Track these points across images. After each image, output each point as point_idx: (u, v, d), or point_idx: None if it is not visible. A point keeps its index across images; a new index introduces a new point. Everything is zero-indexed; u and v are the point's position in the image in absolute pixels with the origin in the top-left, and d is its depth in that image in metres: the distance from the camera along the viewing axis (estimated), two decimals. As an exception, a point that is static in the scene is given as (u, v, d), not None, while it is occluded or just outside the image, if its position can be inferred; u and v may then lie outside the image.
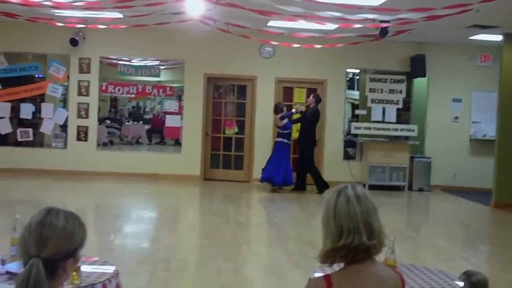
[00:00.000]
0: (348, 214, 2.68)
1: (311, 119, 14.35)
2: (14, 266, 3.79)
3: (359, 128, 15.77)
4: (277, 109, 14.38)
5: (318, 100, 14.49)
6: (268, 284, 7.09)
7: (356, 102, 16.47)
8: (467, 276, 4.00)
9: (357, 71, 16.23)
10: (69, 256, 2.40)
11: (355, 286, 2.66)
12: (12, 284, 2.55)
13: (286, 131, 14.28)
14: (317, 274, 4.13)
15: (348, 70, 15.96)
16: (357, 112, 16.26)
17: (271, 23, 12.80)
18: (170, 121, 15.77)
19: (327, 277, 2.68)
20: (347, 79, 16.06)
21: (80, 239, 2.45)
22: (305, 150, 14.33)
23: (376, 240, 2.70)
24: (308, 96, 14.93)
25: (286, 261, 8.18)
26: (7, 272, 3.74)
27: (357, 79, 16.46)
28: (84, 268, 3.76)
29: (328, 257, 2.73)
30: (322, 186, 14.23)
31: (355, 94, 16.72)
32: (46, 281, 2.28)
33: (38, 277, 2.26)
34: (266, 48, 15.38)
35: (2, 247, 7.84)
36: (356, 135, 15.86)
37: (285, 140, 14.28)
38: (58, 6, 10.80)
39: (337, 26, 11.72)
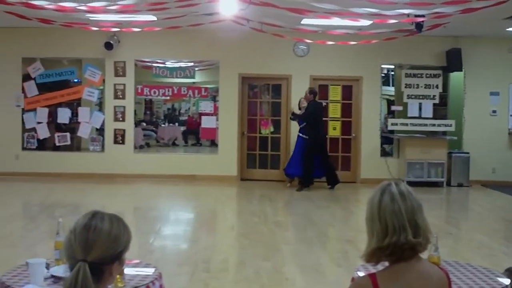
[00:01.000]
0: (393, 212, 2.64)
1: (309, 114, 14.29)
2: (59, 270, 3.81)
3: (396, 124, 15.65)
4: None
5: (314, 93, 14.43)
6: (309, 284, 7.05)
7: (392, 98, 16.33)
8: (510, 273, 3.94)
9: (392, 67, 16.08)
10: (115, 259, 2.40)
11: (401, 285, 2.62)
12: (59, 287, 2.57)
13: (300, 126, 14.49)
14: (360, 273, 4.10)
15: (383, 66, 15.83)
16: (393, 108, 16.12)
17: (305, 21, 12.75)
18: (206, 122, 15.80)
19: (372, 276, 2.64)
20: (382, 75, 15.94)
21: (125, 243, 2.46)
22: (318, 146, 14.34)
23: (422, 238, 2.66)
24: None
25: (326, 260, 8.15)
26: (52, 276, 3.76)
27: (392, 75, 16.31)
28: (127, 271, 3.76)
29: (373, 256, 2.70)
30: (307, 182, 14.39)
31: (391, 90, 16.59)
32: (93, 284, 2.29)
33: (85, 281, 2.27)
34: (300, 46, 15.33)
35: (45, 250, 7.94)
36: (392, 132, 15.74)
37: (301, 134, 14.45)
38: (93, 11, 10.87)
39: (372, 22, 11.64)
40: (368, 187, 14.36)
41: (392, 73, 16.24)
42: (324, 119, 14.90)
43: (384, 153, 15.86)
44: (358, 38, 13.28)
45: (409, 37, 12.81)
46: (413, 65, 15.68)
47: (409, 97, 15.67)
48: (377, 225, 2.67)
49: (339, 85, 15.73)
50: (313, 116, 14.18)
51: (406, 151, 15.20)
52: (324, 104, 15.08)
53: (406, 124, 15.60)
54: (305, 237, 9.88)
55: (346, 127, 15.79)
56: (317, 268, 7.70)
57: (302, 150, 14.21)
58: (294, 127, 15.41)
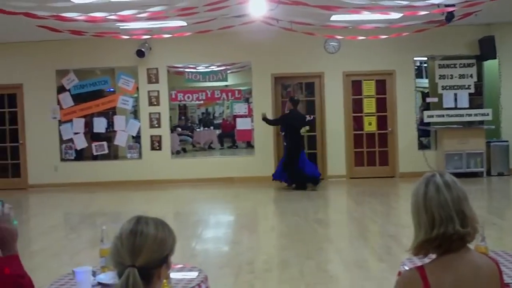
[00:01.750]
0: (439, 203, 2.61)
1: (278, 121, 14.67)
2: (105, 277, 3.83)
3: (432, 116, 15.51)
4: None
5: (294, 102, 14.34)
6: (354, 280, 7.01)
7: (426, 91, 16.18)
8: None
9: (425, 58, 15.93)
10: (162, 263, 2.41)
11: (451, 276, 2.57)
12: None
13: (281, 133, 14.94)
14: (406, 267, 4.05)
15: (416, 58, 15.69)
16: (428, 100, 15.97)
17: (335, 17, 12.71)
18: (241, 124, 15.82)
19: (420, 269, 2.61)
20: (415, 67, 15.81)
21: (170, 246, 2.47)
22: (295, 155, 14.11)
23: (470, 227, 2.62)
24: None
25: (370, 256, 8.09)
26: (99, 283, 3.78)
27: (425, 67, 16.16)
28: (173, 275, 3.77)
29: (421, 248, 2.66)
30: (302, 183, 14.20)
31: (424, 82, 16.43)
32: None
33: (136, 286, 2.28)
34: (331, 43, 15.28)
35: (88, 259, 8.00)
36: (429, 124, 15.60)
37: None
38: (123, 19, 10.94)
39: (402, 14, 11.55)
40: (407, 181, 14.29)
41: (425, 65, 16.08)
42: (301, 130, 14.48)
43: (422, 146, 15.73)
44: (389, 32, 13.19)
45: (441, 27, 12.68)
46: (446, 56, 15.53)
47: (443, 88, 15.53)
48: (424, 217, 2.63)
49: (372, 80, 15.65)
50: (286, 124, 14.28)
51: (443, 143, 15.06)
52: (308, 118, 14.82)
53: (442, 116, 15.45)
54: (347, 233, 9.85)
55: (382, 122, 15.69)
56: (361, 264, 7.65)
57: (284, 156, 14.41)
58: (330, 125, 15.37)
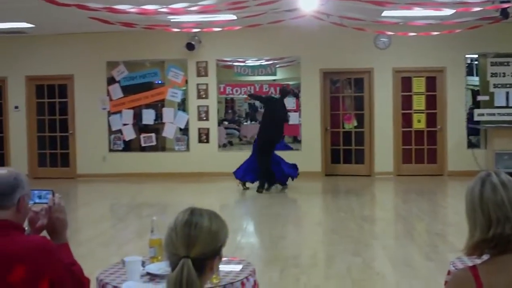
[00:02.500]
0: (495, 202, 2.55)
1: (267, 100, 14.03)
2: (154, 267, 3.85)
3: (482, 114, 15.28)
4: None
5: (283, 92, 14.00)
6: (400, 278, 6.95)
7: (476, 88, 15.94)
8: None
9: (475, 56, 15.69)
10: (215, 254, 2.43)
11: (505, 277, 2.52)
12: (156, 284, 2.60)
13: None
14: (456, 267, 4.00)
15: (467, 55, 15.47)
16: (478, 98, 15.73)
17: (386, 13, 12.59)
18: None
19: (473, 269, 2.56)
20: (466, 65, 15.58)
21: (223, 238, 2.48)
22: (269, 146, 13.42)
23: (528, 228, 2.56)
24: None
25: (416, 254, 8.02)
26: (148, 273, 3.81)
27: (476, 65, 15.92)
28: (221, 267, 3.77)
29: (476, 249, 2.61)
30: (270, 181, 13.39)
31: (475, 80, 16.19)
32: (198, 280, 2.31)
33: (191, 277, 2.29)
34: (381, 39, 15.15)
35: (135, 249, 8.08)
36: (479, 122, 15.37)
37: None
38: (174, 12, 10.99)
39: (455, 11, 11.38)
40: (455, 179, 14.14)
41: (476, 62, 15.84)
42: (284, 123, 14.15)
43: (471, 145, 15.49)
44: (440, 28, 13.01)
45: (494, 24, 12.48)
46: (499, 53, 15.26)
47: (495, 86, 15.28)
48: (480, 217, 2.58)
49: (423, 76, 15.48)
50: (270, 107, 13.55)
51: (494, 142, 14.81)
52: (288, 114, 14.80)
53: (493, 114, 15.22)
54: (394, 231, 9.79)
55: (431, 119, 15.50)
56: (408, 262, 7.59)
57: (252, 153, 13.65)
58: (379, 121, 15.26)
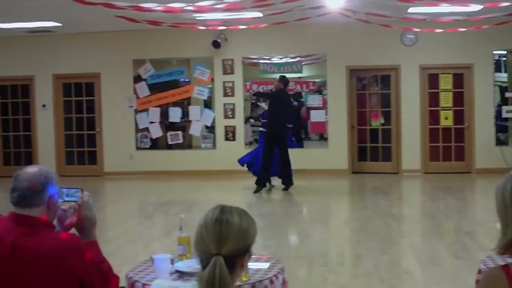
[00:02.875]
0: (528, 200, 2.52)
1: (274, 97, 13.31)
2: (183, 265, 3.86)
3: (511, 111, 15.13)
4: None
5: (285, 82, 13.36)
6: (429, 276, 6.90)
7: (505, 85, 15.78)
8: None
9: (504, 52, 15.53)
10: (246, 252, 2.43)
11: (539, 276, 2.49)
12: (185, 281, 2.59)
13: (263, 120, 13.86)
14: (484, 265, 3.96)
15: (495, 52, 15.32)
16: (507, 95, 15.58)
17: (412, 9, 12.51)
18: (315, 116, 15.75)
19: (506, 268, 2.52)
20: (494, 61, 15.43)
21: (253, 235, 2.48)
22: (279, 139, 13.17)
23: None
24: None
25: (445, 252, 7.97)
26: (177, 271, 3.81)
27: (504, 61, 15.76)
28: (250, 265, 3.77)
29: (508, 247, 2.57)
30: (264, 180, 13.13)
31: (503, 76, 16.03)
32: (230, 277, 2.31)
33: (223, 274, 2.29)
34: (408, 36, 15.05)
35: (162, 247, 8.10)
36: (507, 119, 15.22)
37: (262, 129, 13.87)
38: (200, 10, 10.99)
39: (482, 6, 11.29)
40: (483, 177, 14.03)
41: (504, 59, 15.68)
42: (288, 111, 13.68)
43: (499, 142, 15.34)
44: (468, 24, 12.88)
45: (523, 20, 12.35)
46: (527, 49, 15.12)
47: (524, 83, 15.15)
48: (512, 215, 2.54)
49: (450, 73, 15.36)
50: (277, 102, 13.07)
51: (523, 139, 14.68)
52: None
53: (522, 111, 15.08)
54: (421, 229, 9.72)
55: (459, 116, 15.37)
56: (436, 260, 7.54)
57: (262, 145, 13.41)
58: (406, 119, 15.17)
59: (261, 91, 14.90)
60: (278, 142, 13.03)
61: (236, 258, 2.39)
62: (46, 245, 3.07)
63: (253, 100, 14.21)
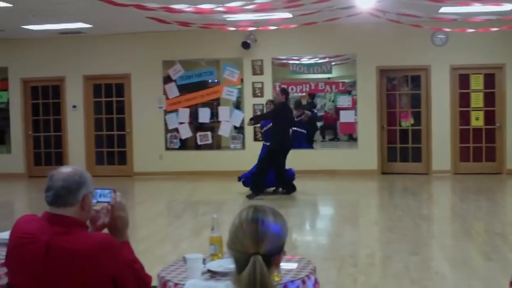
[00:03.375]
0: None
1: (277, 112, 12.64)
2: (215, 265, 3.87)
3: (545, 112, 14.97)
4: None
5: (286, 94, 13.00)
6: (460, 278, 6.84)
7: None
8: None
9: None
10: (280, 251, 2.44)
11: None
12: (217, 281, 2.60)
13: (264, 129, 13.53)
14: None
15: (528, 51, 15.17)
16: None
17: (444, 9, 12.44)
18: (344, 117, 15.72)
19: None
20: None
21: (286, 233, 2.50)
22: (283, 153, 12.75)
23: None
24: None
25: (476, 254, 7.90)
26: (209, 271, 3.83)
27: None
28: (282, 265, 3.77)
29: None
30: (258, 187, 12.64)
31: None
32: (270, 276, 2.32)
33: (263, 274, 2.30)
34: (438, 36, 14.95)
35: (192, 246, 8.14)
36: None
37: (265, 143, 13.28)
38: (230, 11, 11.02)
39: (515, 5, 11.20)
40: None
41: (537, 58, 15.52)
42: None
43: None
44: (500, 24, 12.77)
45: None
46: (562, 48, 14.94)
47: (557, 82, 14.97)
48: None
49: (481, 73, 15.23)
50: (281, 116, 12.56)
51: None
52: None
53: (557, 111, 14.90)
54: (452, 230, 9.64)
55: (490, 117, 15.24)
56: (467, 262, 7.47)
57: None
58: (436, 119, 15.07)
59: (258, 113, 14.73)
60: (282, 155, 12.66)
61: (272, 257, 2.40)
62: (80, 245, 3.10)
63: (252, 124, 13.48)
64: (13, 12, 12.55)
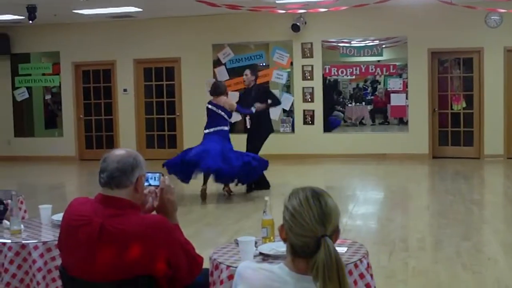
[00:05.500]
0: None
1: (257, 100, 11.57)
2: (266, 248, 3.87)
3: None
4: (217, 91, 11.27)
5: (256, 76, 12.24)
6: (513, 263, 6.74)
7: None
8: None
9: None
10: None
11: None
12: (271, 263, 2.59)
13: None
14: None
15: None
16: None
17: (498, -11, 12.22)
18: (395, 100, 15.56)
19: None
20: None
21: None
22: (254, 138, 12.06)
23: None
24: None
25: (530, 239, 7.78)
26: (260, 253, 3.83)
27: None
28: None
29: None
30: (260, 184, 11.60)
31: None
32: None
33: (337, 254, 2.31)
34: (492, 17, 14.65)
35: (243, 228, 8.15)
36: None
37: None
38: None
39: None
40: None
41: None
42: None
43: None
44: (558, 4, 12.47)
45: None
46: None
47: None
48: None
49: (537, 55, 14.93)
50: (260, 101, 11.59)
51: None
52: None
53: None
54: (505, 215, 9.50)
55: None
56: (521, 247, 7.36)
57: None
58: (489, 102, 14.81)
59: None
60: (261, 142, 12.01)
61: (333, 237, 2.40)
62: (133, 226, 3.13)
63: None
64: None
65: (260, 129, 12.04)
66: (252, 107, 11.46)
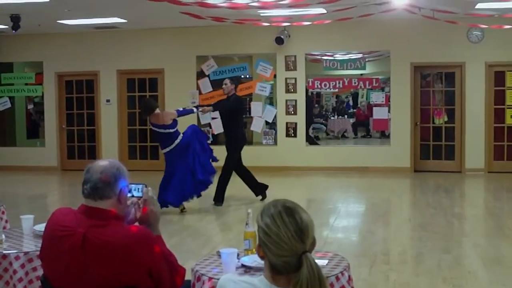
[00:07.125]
0: None
1: (234, 109, 11.75)
2: (248, 260, 3.88)
3: None
4: (147, 109, 10.75)
5: (237, 85, 12.11)
6: (493, 277, 6.78)
7: None
8: None
9: None
10: (315, 240, 2.46)
11: None
12: (252, 276, 2.60)
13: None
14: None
15: None
16: None
17: (480, 5, 12.32)
18: (378, 113, 15.64)
19: None
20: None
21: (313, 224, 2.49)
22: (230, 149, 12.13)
23: None
24: None
25: (510, 252, 7.82)
26: (243, 265, 3.84)
27: None
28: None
29: None
30: (260, 189, 12.03)
31: None
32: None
33: (319, 269, 2.31)
34: (474, 32, 14.80)
35: (225, 240, 8.16)
36: None
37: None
38: (265, 6, 11.04)
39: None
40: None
41: None
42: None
43: None
44: (537, 20, 12.62)
45: None
46: None
47: None
48: None
49: (517, 71, 15.07)
50: (238, 110, 11.94)
51: None
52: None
53: None
54: (485, 229, 9.56)
55: (526, 115, 15.08)
56: (500, 260, 7.41)
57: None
58: (470, 117, 14.91)
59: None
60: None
61: (311, 248, 2.41)
62: (116, 237, 3.13)
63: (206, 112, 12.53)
64: (49, 7, 12.68)
65: (235, 141, 12.13)
66: (194, 107, 12.03)
